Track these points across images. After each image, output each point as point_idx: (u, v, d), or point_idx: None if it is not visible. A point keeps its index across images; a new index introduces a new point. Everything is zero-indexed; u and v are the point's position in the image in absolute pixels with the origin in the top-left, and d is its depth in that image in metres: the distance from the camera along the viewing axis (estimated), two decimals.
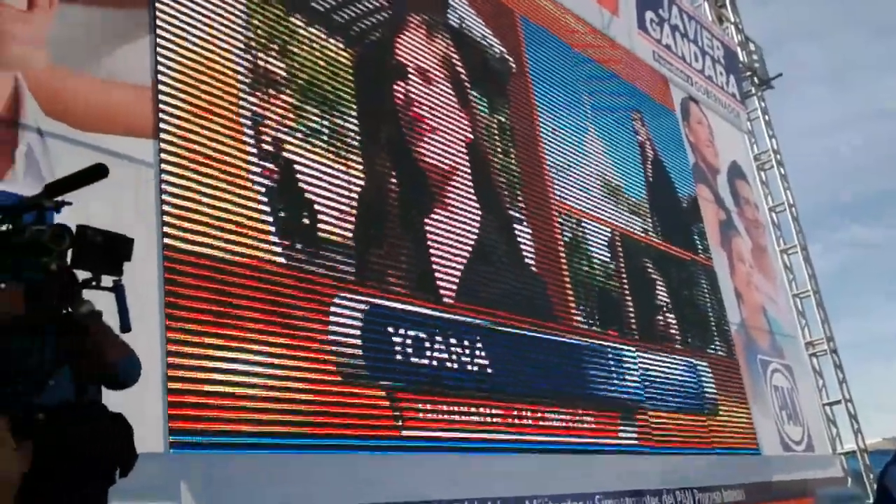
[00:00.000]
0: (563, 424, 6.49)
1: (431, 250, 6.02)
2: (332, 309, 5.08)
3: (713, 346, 9.18)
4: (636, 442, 7.22)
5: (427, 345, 5.64)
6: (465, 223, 6.39)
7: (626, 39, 10.24)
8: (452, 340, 5.84)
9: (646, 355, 7.88)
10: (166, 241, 4.31)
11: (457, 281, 6.12)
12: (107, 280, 2.37)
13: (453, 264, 6.12)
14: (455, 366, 5.79)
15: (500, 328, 6.29)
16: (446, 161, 6.51)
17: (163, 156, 4.49)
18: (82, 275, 2.34)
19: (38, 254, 2.25)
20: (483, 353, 6.04)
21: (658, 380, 7.90)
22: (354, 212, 5.51)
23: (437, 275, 5.96)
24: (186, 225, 4.45)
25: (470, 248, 6.35)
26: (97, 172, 2.43)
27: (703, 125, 11.49)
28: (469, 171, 6.69)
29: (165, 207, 4.38)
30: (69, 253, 2.30)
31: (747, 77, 13.84)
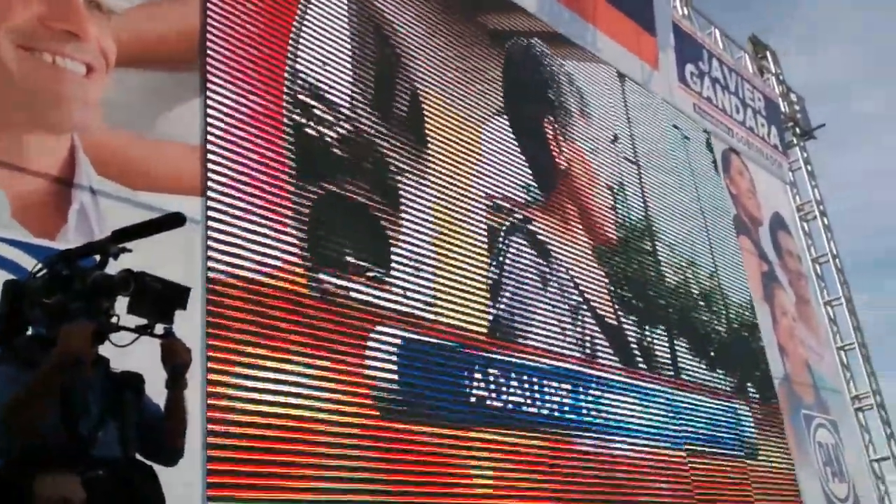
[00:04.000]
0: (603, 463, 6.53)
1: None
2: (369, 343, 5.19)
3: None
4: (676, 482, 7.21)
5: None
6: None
7: (666, 93, 10.30)
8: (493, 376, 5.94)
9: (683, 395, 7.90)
10: (210, 296, 4.41)
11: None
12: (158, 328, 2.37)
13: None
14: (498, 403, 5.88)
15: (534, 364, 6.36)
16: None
17: (210, 213, 4.62)
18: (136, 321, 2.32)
19: (102, 297, 2.26)
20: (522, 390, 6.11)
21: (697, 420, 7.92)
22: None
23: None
24: (231, 280, 4.56)
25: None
26: (173, 221, 2.39)
27: (745, 176, 11.44)
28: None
29: (211, 263, 4.50)
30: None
31: (789, 128, 13.80)
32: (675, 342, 8.20)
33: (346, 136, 5.72)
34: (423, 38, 6.84)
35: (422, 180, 6.17)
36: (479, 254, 6.38)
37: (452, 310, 5.88)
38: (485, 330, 6.09)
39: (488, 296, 6.27)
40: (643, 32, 10.28)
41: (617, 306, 7.68)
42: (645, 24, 10.40)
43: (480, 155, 6.90)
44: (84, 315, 2.21)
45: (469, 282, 6.15)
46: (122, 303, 2.30)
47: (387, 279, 5.50)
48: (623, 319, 7.66)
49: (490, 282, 6.36)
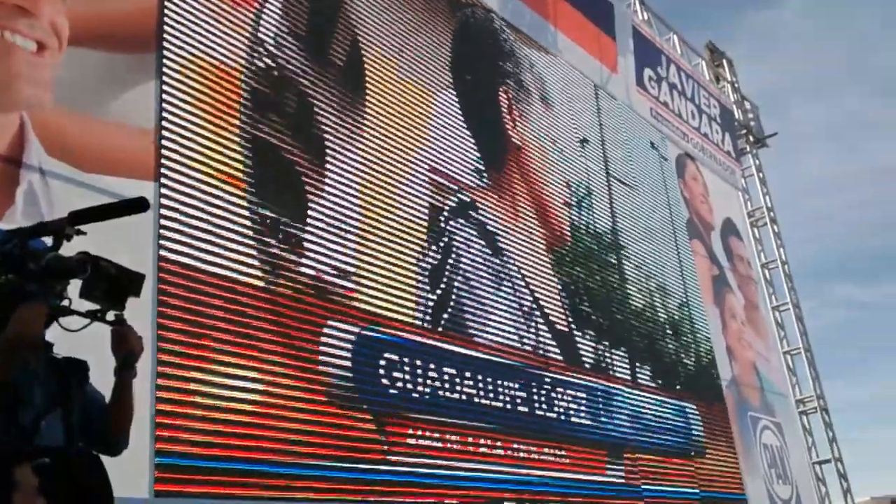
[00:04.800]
0: (551, 460, 6.54)
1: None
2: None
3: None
4: (623, 481, 7.26)
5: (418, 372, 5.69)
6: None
7: (624, 96, 10.39)
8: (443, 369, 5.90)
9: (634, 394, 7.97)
10: (161, 286, 4.32)
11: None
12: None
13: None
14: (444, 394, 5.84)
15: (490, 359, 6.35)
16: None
17: (163, 200, 4.51)
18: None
19: (56, 280, 2.16)
20: (471, 384, 6.09)
21: (645, 420, 7.99)
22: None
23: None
24: (181, 270, 4.46)
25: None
26: (135, 206, 2.26)
27: (698, 181, 11.60)
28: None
29: (162, 253, 4.40)
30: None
31: (743, 135, 14.01)
32: (637, 364, 8.27)
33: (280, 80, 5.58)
34: None
35: (355, 135, 6.00)
36: (415, 231, 6.19)
37: (374, 287, 5.63)
38: (414, 314, 5.90)
39: (426, 280, 6.10)
40: (603, 35, 10.35)
41: (569, 313, 7.70)
42: (605, 27, 10.47)
43: (427, 121, 6.79)
44: (36, 297, 2.11)
45: (398, 261, 5.94)
46: (73, 286, 2.20)
47: (303, 242, 5.28)
48: (573, 324, 7.69)
49: (428, 266, 6.17)
